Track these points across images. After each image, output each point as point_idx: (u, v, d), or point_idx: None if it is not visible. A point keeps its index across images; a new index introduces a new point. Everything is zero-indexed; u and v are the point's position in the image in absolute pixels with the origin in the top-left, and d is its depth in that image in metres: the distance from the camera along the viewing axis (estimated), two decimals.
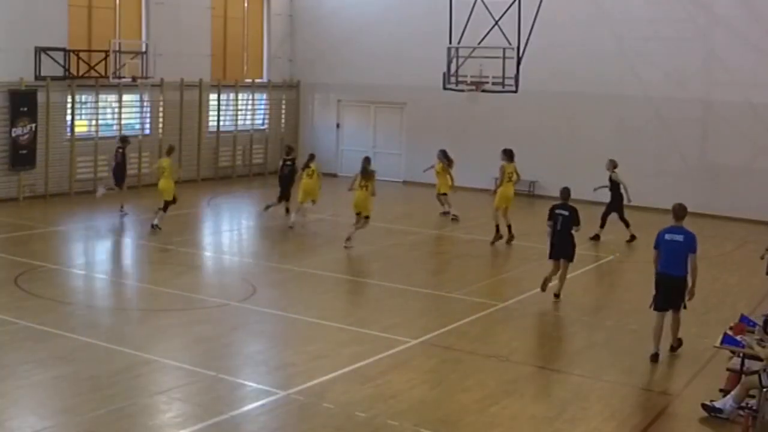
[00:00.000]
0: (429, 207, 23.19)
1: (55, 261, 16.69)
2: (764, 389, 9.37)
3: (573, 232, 14.72)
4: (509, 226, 19.33)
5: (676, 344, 12.39)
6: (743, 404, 9.84)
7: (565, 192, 14.97)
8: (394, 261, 17.73)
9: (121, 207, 21.17)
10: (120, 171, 21.30)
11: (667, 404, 10.64)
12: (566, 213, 14.69)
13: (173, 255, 17.42)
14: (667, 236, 12.03)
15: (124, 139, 21.82)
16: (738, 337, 10.43)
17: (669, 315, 12.21)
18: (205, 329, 12.66)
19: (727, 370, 10.80)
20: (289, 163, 21.39)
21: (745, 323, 10.85)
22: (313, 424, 9.50)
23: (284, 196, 21.04)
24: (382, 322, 13.23)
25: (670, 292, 12.04)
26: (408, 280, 16.25)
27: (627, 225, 19.78)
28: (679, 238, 11.95)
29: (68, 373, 10.68)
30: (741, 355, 10.40)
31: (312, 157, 20.70)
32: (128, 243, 19.44)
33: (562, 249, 14.75)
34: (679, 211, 12.18)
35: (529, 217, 21.94)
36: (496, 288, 16.08)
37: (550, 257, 14.91)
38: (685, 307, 12.20)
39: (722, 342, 10.62)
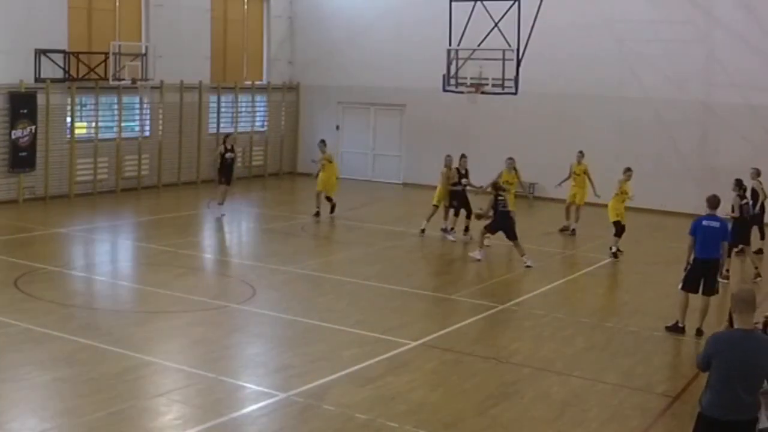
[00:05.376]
0: (428, 209, 23.10)
1: (55, 263, 16.68)
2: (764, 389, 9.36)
3: None
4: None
5: (702, 329, 13.13)
6: None
7: None
8: (394, 263, 17.72)
9: None
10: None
11: (667, 406, 10.64)
12: None
13: (173, 257, 17.41)
14: (705, 222, 13.13)
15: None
16: None
17: (699, 298, 13.17)
18: (204, 331, 12.66)
19: None
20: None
21: None
22: (313, 426, 9.49)
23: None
24: (382, 324, 13.23)
25: (707, 275, 13.11)
26: (408, 282, 16.24)
27: (762, 237, 19.64)
28: (716, 224, 13.12)
29: (68, 375, 10.67)
30: None
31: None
32: (128, 245, 19.45)
33: None
34: (714, 201, 13.33)
35: (528, 219, 21.96)
36: (495, 290, 16.07)
37: None
38: (717, 291, 13.35)
39: None
